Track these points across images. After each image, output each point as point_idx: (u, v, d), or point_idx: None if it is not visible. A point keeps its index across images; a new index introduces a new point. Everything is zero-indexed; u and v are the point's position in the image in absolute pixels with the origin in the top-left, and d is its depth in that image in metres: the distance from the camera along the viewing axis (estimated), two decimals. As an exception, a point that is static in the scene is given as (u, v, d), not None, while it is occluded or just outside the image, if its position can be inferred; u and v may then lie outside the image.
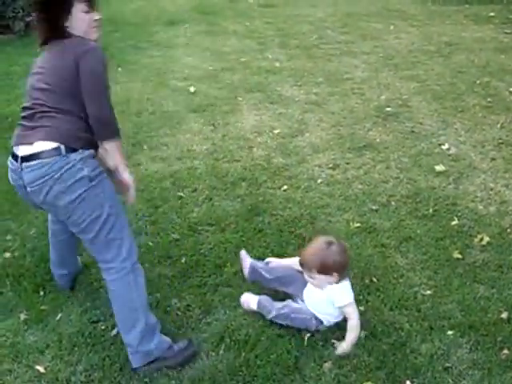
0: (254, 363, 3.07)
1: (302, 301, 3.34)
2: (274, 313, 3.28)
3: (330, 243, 3.20)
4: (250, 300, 3.40)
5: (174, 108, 6.47)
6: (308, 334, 3.22)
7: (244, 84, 7.10)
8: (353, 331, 3.15)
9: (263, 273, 3.46)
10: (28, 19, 10.18)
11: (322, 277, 3.17)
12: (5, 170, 5.04)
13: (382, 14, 10.51)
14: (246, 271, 3.53)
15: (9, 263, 3.98)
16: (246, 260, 3.56)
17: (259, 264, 3.52)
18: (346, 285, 3.22)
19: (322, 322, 3.26)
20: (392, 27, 9.50)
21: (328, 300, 3.20)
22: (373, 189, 4.70)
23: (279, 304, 3.31)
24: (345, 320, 3.21)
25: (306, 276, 3.25)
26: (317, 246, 3.25)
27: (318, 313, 3.25)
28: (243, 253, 3.62)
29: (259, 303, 3.35)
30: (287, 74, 7.40)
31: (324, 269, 3.15)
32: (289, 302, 3.35)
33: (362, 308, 3.40)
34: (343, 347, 3.12)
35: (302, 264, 3.26)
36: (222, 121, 6.07)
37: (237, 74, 7.46)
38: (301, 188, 4.73)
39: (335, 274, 3.16)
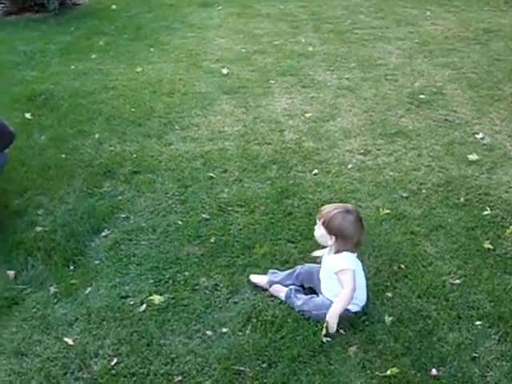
0: (280, 344, 3.10)
1: (321, 292, 3.36)
2: (297, 309, 3.32)
3: (349, 211, 3.24)
4: (279, 289, 3.43)
5: (206, 89, 6.47)
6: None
7: (276, 67, 7.06)
8: (341, 300, 3.17)
9: (281, 280, 3.47)
10: (62, -2, 10.27)
11: (323, 230, 3.22)
12: (39, 147, 5.19)
13: (419, -1, 10.35)
14: (264, 284, 3.50)
15: (40, 237, 4.04)
16: (261, 278, 3.53)
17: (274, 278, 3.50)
18: (347, 255, 3.22)
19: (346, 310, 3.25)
20: (428, 13, 9.34)
21: (331, 272, 3.25)
22: (404, 176, 4.67)
23: (301, 300, 3.33)
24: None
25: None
26: (341, 205, 3.35)
27: (334, 297, 3.25)
28: (254, 276, 3.57)
29: (286, 295, 3.38)
30: (320, 59, 7.34)
31: (327, 224, 3.20)
32: (312, 297, 3.37)
33: (389, 294, 3.41)
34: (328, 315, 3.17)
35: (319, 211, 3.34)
36: (253, 103, 6.06)
37: (269, 57, 7.41)
38: (331, 173, 4.71)
39: (333, 238, 3.20)
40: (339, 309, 3.16)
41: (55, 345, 3.18)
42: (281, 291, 3.41)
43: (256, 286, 3.50)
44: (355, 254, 3.27)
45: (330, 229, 3.20)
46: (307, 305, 3.30)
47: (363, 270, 3.38)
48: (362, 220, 3.30)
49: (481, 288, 3.47)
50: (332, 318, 3.15)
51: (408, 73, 6.82)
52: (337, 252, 3.23)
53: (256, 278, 3.53)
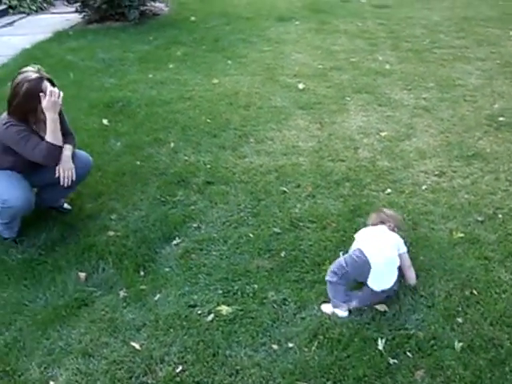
0: (345, 363, 3.08)
1: None
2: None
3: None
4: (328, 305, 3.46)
5: (282, 104, 6.51)
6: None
7: (353, 84, 7.04)
8: None
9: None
10: (142, 8, 10.55)
11: None
12: (114, 153, 5.33)
13: (502, 19, 10.09)
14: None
15: (112, 242, 4.15)
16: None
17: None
18: None
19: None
20: (511, 33, 9.13)
21: None
22: (479, 199, 4.56)
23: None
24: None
25: None
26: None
27: None
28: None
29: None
30: (397, 77, 7.27)
31: None
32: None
33: (459, 319, 3.34)
34: None
35: None
36: (328, 119, 6.05)
37: (346, 74, 7.40)
38: (405, 193, 4.66)
39: None
40: None
41: (122, 348, 3.25)
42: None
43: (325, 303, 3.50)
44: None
45: None
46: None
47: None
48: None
49: (558, 320, 3.36)
50: None
51: (488, 94, 6.67)
52: None
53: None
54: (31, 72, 3.97)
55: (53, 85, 4.01)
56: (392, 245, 3.53)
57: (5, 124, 3.95)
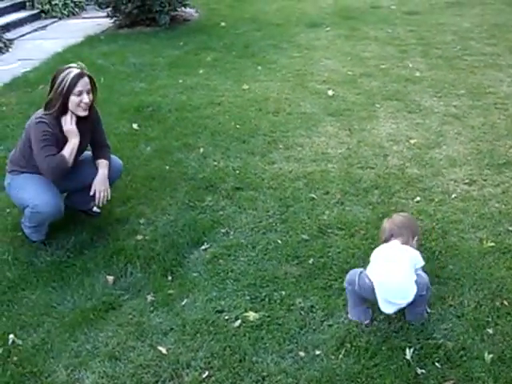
0: (372, 372, 3.06)
1: None
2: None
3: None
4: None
5: (312, 110, 6.49)
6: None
7: (382, 91, 7.00)
8: None
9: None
10: (173, 13, 10.62)
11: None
12: (144, 157, 5.36)
13: (536, 26, 9.99)
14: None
15: (140, 246, 4.18)
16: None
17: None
18: None
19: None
20: (544, 40, 9.01)
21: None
22: (510, 209, 4.49)
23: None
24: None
25: None
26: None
27: None
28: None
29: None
30: (427, 84, 7.21)
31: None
32: None
33: (490, 330, 3.29)
34: None
35: None
36: (358, 126, 6.03)
37: (376, 81, 7.36)
38: (434, 201, 4.61)
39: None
40: None
41: (149, 352, 3.26)
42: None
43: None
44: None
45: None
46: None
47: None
48: None
49: None
50: None
51: (520, 102, 6.59)
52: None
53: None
54: (73, 68, 3.97)
55: (92, 82, 4.03)
56: (403, 263, 3.33)
57: (37, 119, 3.98)
